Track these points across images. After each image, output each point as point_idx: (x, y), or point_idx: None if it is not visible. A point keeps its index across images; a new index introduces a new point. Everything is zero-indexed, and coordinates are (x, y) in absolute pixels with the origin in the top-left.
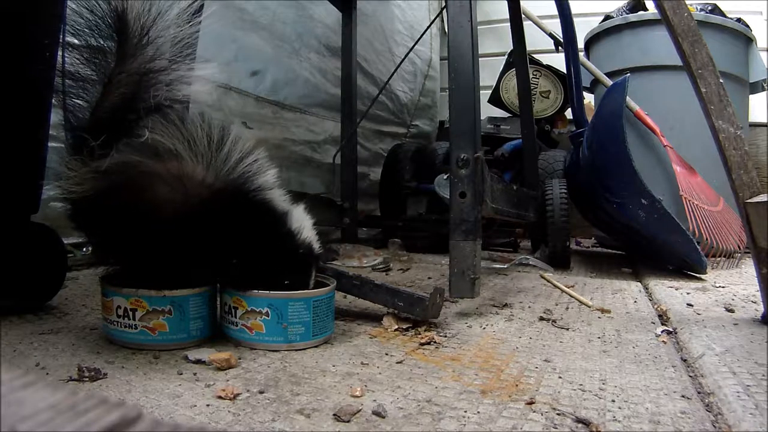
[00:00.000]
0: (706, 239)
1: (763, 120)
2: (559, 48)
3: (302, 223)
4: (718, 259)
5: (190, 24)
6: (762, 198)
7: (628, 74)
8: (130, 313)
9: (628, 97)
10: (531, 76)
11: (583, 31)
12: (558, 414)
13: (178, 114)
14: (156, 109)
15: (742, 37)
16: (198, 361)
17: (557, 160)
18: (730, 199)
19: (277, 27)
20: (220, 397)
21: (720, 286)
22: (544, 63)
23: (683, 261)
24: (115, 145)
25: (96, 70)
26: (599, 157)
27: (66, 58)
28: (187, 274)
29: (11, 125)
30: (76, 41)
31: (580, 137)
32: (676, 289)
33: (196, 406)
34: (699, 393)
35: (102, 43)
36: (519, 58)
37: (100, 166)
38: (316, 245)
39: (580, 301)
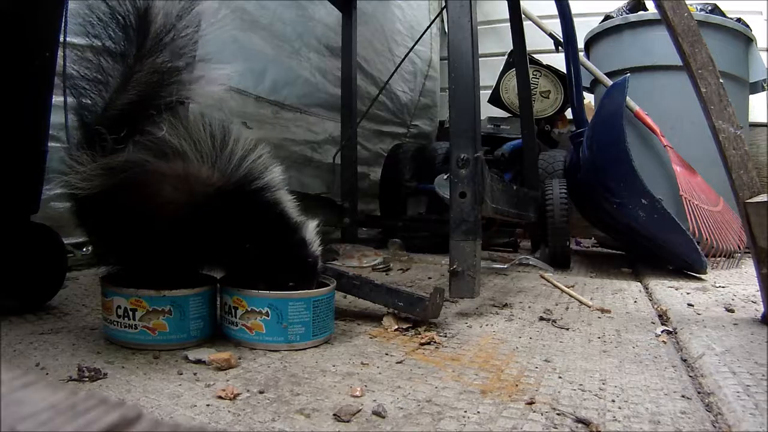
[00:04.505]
0: (706, 239)
1: (763, 120)
2: (559, 48)
3: (314, 236)
4: (718, 259)
5: (205, 24)
6: (762, 198)
7: (628, 74)
8: (130, 313)
9: (628, 97)
10: (531, 76)
11: (583, 31)
12: (558, 414)
13: (182, 113)
14: (168, 108)
15: (742, 37)
16: (198, 361)
17: (557, 160)
18: (730, 199)
19: (277, 27)
20: (220, 397)
21: (720, 286)
22: (544, 63)
23: (683, 261)
24: (129, 143)
25: (114, 67)
26: (599, 157)
27: (80, 55)
28: (194, 274)
29: (11, 125)
30: (93, 39)
31: (580, 137)
32: (676, 289)
33: (196, 406)
34: (699, 393)
35: (121, 41)
36: (519, 58)
37: (110, 162)
38: (320, 263)
39: (580, 301)
